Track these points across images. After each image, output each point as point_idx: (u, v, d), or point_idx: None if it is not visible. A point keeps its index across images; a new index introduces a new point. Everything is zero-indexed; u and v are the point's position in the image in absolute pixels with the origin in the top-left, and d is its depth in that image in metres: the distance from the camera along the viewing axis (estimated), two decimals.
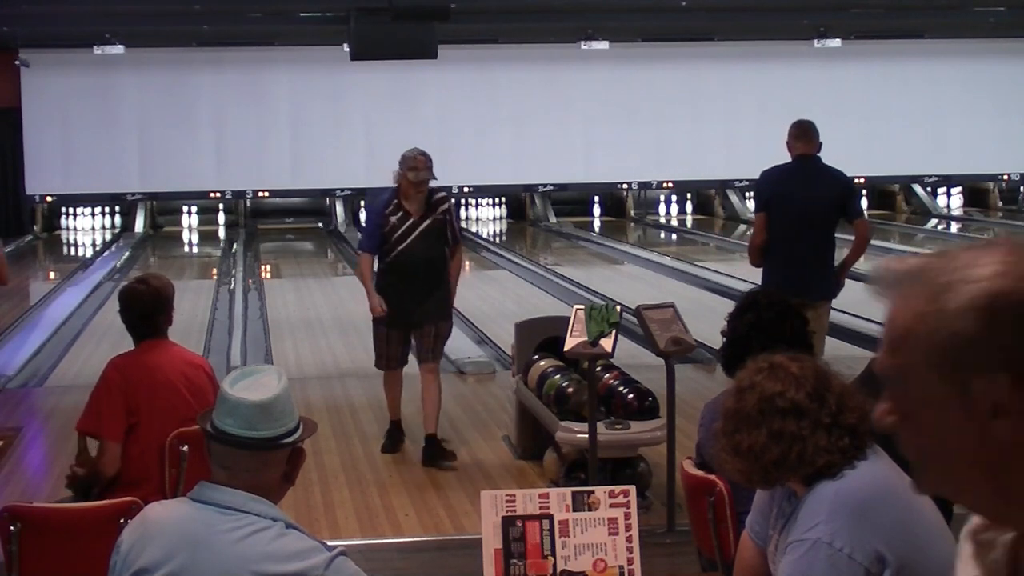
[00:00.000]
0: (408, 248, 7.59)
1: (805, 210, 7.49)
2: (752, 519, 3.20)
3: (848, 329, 10.96)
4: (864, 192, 24.74)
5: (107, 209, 23.15)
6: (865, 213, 8.22)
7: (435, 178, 7.67)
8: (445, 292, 7.71)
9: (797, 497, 2.82)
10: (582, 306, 6.49)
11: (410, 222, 7.59)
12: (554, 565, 3.32)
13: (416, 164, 7.57)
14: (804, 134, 7.70)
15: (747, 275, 11.75)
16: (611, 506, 3.37)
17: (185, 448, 4.91)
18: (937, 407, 1.36)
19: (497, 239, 22.09)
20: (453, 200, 8.03)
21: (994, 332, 1.32)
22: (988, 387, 1.32)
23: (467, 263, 15.33)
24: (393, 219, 7.59)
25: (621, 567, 3.33)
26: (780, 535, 2.86)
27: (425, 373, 7.68)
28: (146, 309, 5.17)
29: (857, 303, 12.92)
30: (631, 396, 6.77)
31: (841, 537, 2.65)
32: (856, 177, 23.50)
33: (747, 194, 22.34)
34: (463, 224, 23.35)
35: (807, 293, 6.73)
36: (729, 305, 4.39)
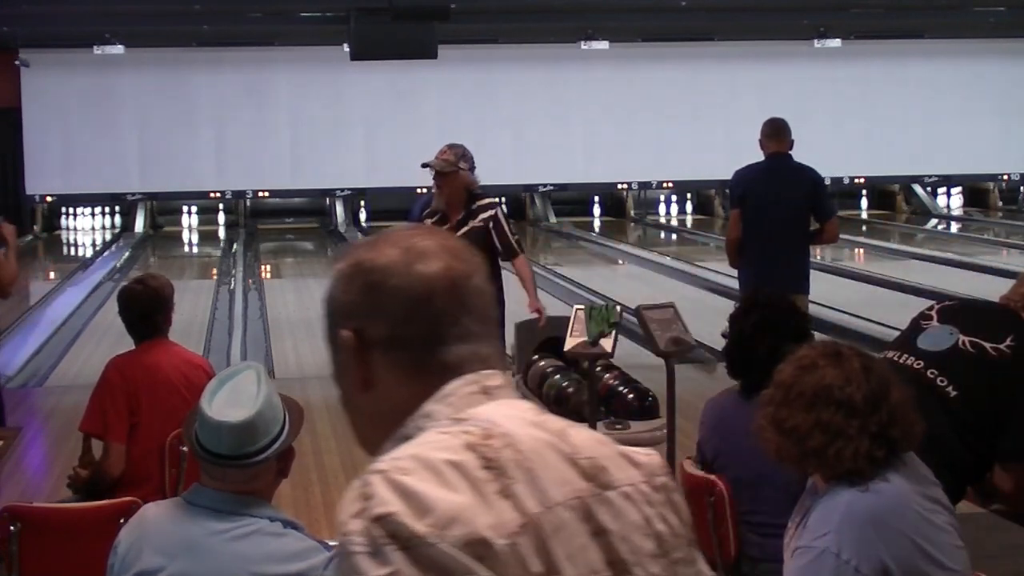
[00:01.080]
0: None
1: (778, 208, 7.68)
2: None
3: (843, 328, 10.94)
4: (864, 192, 24.78)
5: (107, 209, 23.15)
6: (836, 213, 8.27)
7: (462, 168, 6.81)
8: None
9: (818, 492, 2.79)
10: (582, 306, 6.48)
11: (446, 228, 6.53)
12: None
13: (439, 154, 6.81)
14: (776, 132, 7.84)
15: None
16: None
17: (185, 448, 4.90)
18: (334, 361, 1.63)
19: None
20: (499, 209, 6.98)
21: (348, 293, 1.59)
22: (343, 338, 1.58)
23: None
24: (428, 224, 6.70)
25: None
26: (797, 528, 2.84)
27: None
28: (144, 309, 5.16)
29: (854, 302, 12.92)
30: (631, 396, 6.77)
31: (849, 548, 2.63)
32: (856, 177, 23.81)
33: None
34: None
35: (781, 289, 6.86)
36: (729, 305, 4.38)
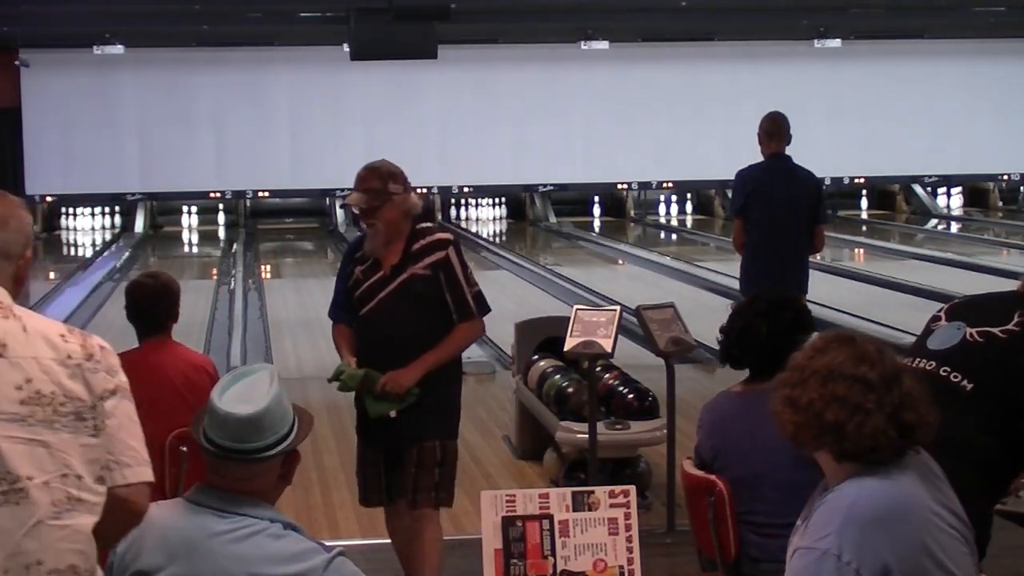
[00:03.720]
0: (371, 315, 5.02)
1: (786, 208, 7.70)
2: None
3: (843, 328, 10.94)
4: (864, 192, 24.80)
5: (107, 209, 23.19)
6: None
7: (394, 193, 4.88)
8: (435, 394, 4.96)
9: (828, 488, 2.78)
10: (582, 306, 6.49)
11: (378, 276, 5.00)
12: (554, 565, 3.32)
13: (358, 183, 4.93)
14: (778, 131, 7.82)
15: None
16: (611, 506, 3.36)
17: (185, 448, 4.91)
18: None
19: (497, 239, 22.09)
20: (452, 249, 4.99)
21: None
22: None
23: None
24: (359, 270, 5.08)
25: (621, 567, 3.33)
26: (802, 527, 2.83)
27: (408, 518, 5.03)
28: (150, 302, 5.18)
29: (854, 302, 12.93)
30: (631, 396, 6.77)
31: (850, 550, 2.62)
32: (856, 177, 23.82)
33: None
34: (461, 224, 23.31)
35: (784, 287, 6.91)
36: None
